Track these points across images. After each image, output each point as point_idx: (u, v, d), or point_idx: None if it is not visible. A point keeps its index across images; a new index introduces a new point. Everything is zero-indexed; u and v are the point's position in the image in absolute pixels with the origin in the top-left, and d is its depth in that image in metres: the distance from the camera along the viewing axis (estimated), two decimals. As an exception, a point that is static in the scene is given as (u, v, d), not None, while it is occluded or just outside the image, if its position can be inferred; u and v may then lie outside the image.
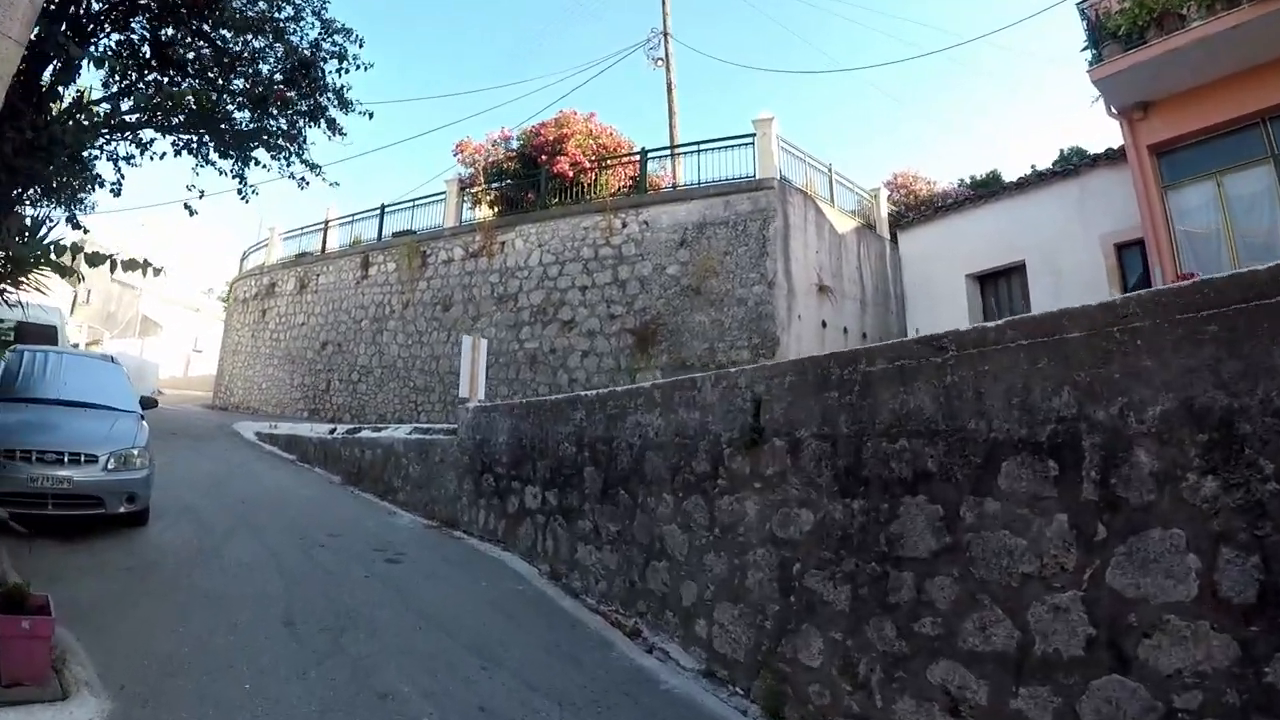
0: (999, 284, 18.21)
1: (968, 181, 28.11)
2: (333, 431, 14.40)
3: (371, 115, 10.51)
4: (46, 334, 15.41)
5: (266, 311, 27.92)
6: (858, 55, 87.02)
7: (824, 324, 18.48)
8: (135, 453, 8.36)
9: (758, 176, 17.18)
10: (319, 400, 24.16)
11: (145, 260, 5.64)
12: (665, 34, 26.38)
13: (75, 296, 45.12)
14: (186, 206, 9.91)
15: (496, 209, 21.47)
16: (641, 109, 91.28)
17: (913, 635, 4.90)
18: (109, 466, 8.08)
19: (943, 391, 4.94)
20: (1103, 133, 71.59)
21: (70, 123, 7.23)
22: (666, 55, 26.31)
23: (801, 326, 17.32)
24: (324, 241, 26.37)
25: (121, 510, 8.13)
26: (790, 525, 5.80)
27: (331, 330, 24.42)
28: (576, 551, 8.28)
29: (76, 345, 20.73)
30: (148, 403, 10.08)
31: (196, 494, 10.76)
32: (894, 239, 22.40)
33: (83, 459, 7.97)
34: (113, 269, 5.52)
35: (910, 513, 5.02)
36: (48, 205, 16.01)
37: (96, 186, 16.11)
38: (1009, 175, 25.75)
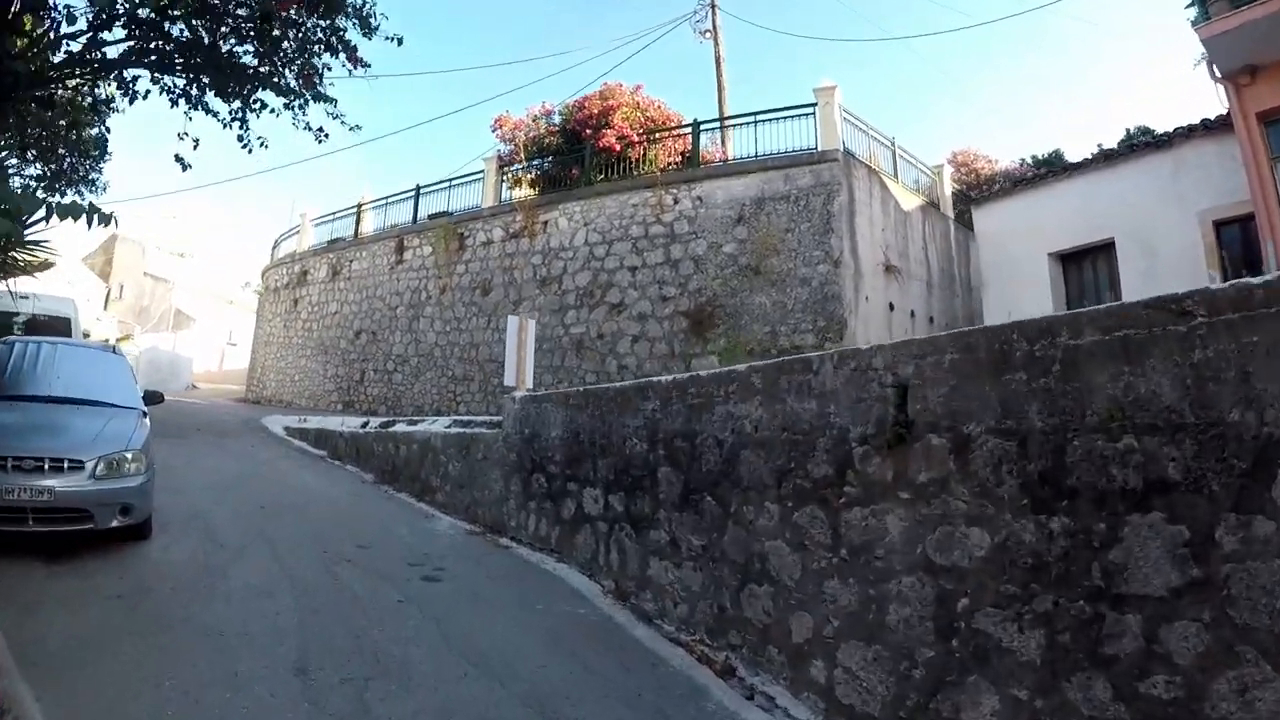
0: (1083, 264, 16.69)
1: (1029, 161, 27.00)
2: (365, 425, 13.21)
3: (401, 41, 9.20)
4: (59, 326, 14.36)
5: (298, 300, 26.89)
6: (910, 25, 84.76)
7: (891, 306, 17.11)
8: (129, 457, 7.09)
9: (820, 148, 15.86)
10: (353, 391, 23.06)
11: (92, 207, 4.33)
12: (713, 4, 25.00)
13: (108, 291, 44.83)
14: (178, 159, 8.67)
15: (538, 187, 20.15)
16: (687, 87, 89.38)
17: (1137, 698, 3.54)
18: (98, 474, 6.82)
19: (1189, 371, 3.51)
20: (1173, 110, 69.21)
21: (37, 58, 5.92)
22: (714, 27, 25.01)
23: (869, 309, 15.94)
24: (357, 226, 25.26)
25: (114, 525, 6.88)
26: (954, 549, 4.37)
27: (365, 318, 23.28)
28: (649, 567, 6.92)
29: (88, 334, 19.64)
30: (152, 398, 8.85)
31: (211, 498, 9.55)
32: (958, 219, 21.27)
33: (66, 466, 6.72)
34: (48, 216, 4.20)
35: (1139, 536, 3.61)
36: (56, 186, 15.15)
37: (95, 155, 15.33)
38: (1071, 155, 25.15)
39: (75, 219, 4.42)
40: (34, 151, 14.06)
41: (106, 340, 19.39)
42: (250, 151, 8.73)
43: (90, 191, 14.91)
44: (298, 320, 26.80)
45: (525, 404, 8.91)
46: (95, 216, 4.61)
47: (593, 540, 7.69)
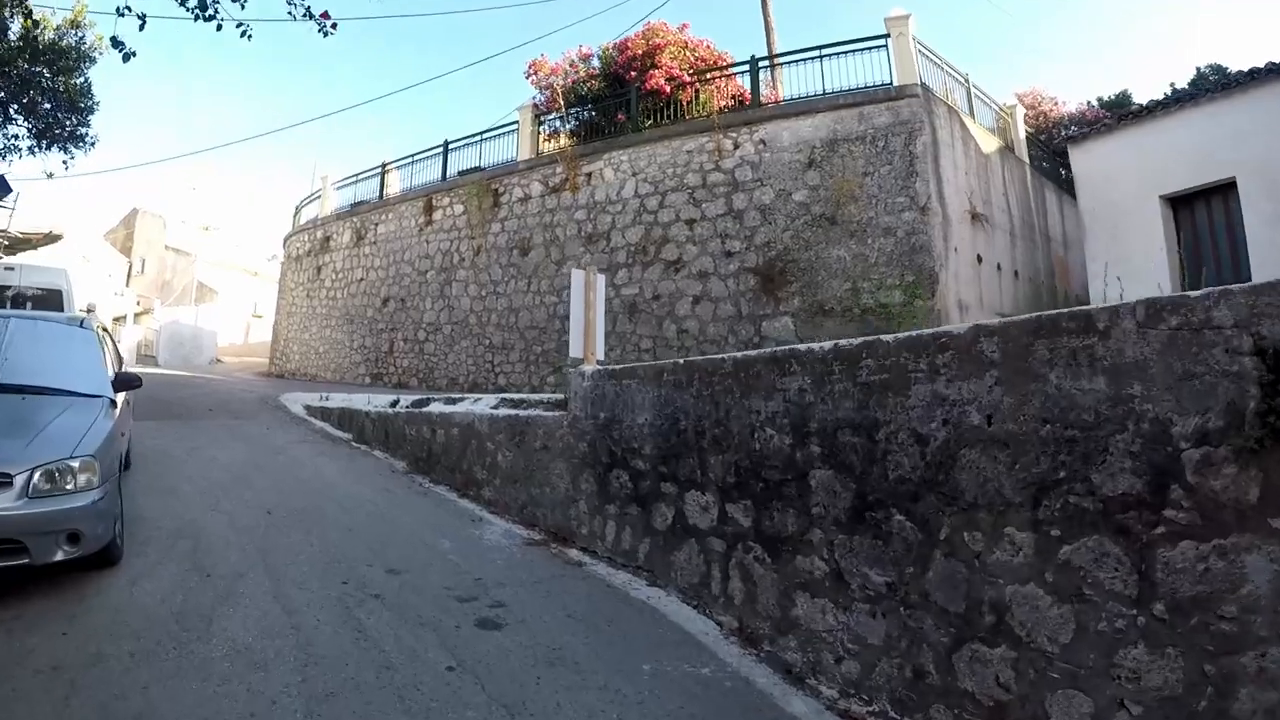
0: (1196, 208, 14.52)
1: (1095, 104, 25.39)
2: (395, 404, 11.28)
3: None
4: (49, 299, 12.62)
5: (321, 268, 25.09)
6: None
7: (979, 259, 15.09)
8: (76, 465, 5.11)
9: (896, 83, 13.82)
10: (381, 363, 21.26)
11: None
12: (758, -65, 22.81)
13: (130, 267, 43.70)
14: (115, 43, 6.75)
15: (579, 137, 18.08)
16: (726, 35, 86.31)
17: None
18: (33, 491, 4.89)
19: None
20: (1245, 50, 65.61)
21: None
22: (761, -42, 22.79)
23: (959, 262, 13.96)
24: (382, 187, 23.33)
25: (60, 558, 4.96)
26: None
27: (393, 284, 21.40)
28: (793, 605, 4.94)
29: (91, 308, 17.94)
30: (126, 381, 6.92)
31: (209, 501, 7.64)
32: (1031, 162, 19.24)
33: (-13, 481, 4.83)
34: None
35: None
36: (41, 143, 13.54)
37: (82, 106, 13.70)
38: (1139, 96, 24.56)
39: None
40: (15, 106, 12.56)
41: (88, 309, 17.68)
42: (220, 29, 6.68)
43: (79, 148, 13.29)
44: (321, 289, 24.98)
45: (599, 381, 6.91)
46: None
47: (700, 561, 5.73)
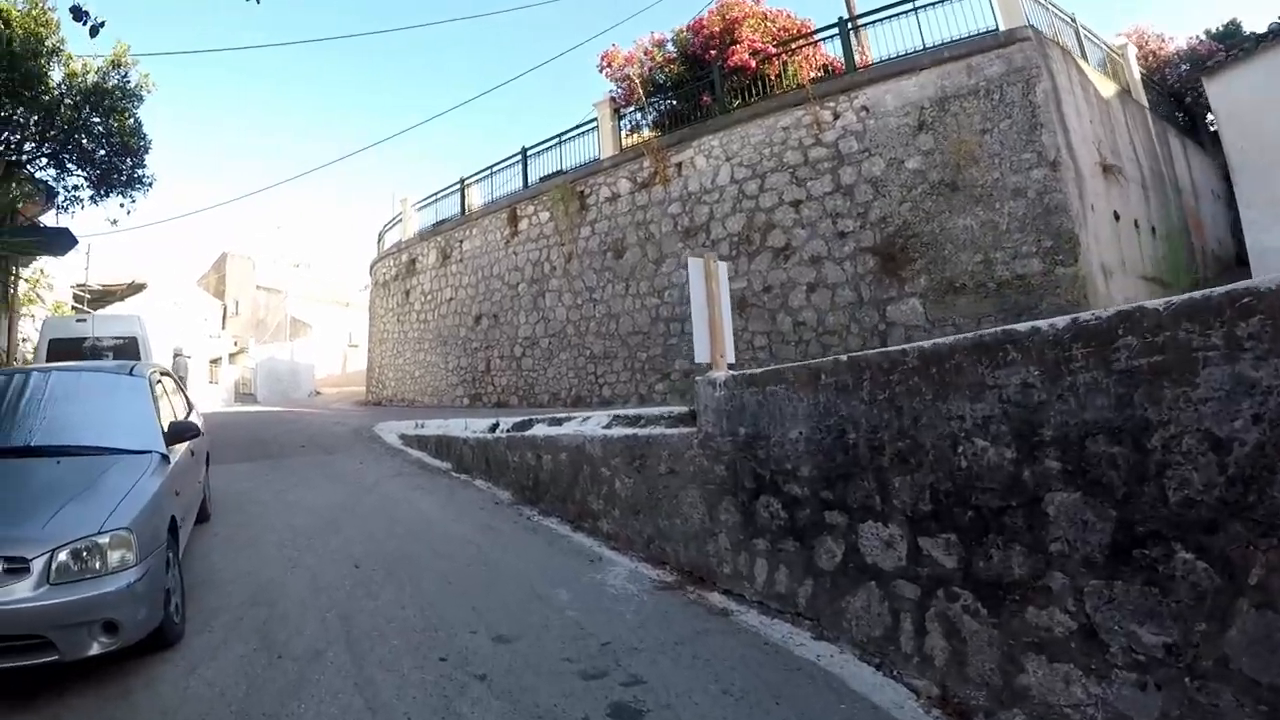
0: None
1: (1204, 37, 23.70)
2: (494, 428, 10.37)
3: None
4: (125, 349, 12.17)
5: (410, 291, 24.65)
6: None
7: (1116, 216, 13.50)
8: (105, 542, 4.18)
9: (1002, 28, 12.39)
10: (479, 383, 20.56)
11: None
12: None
13: (224, 309, 44.57)
14: (76, 13, 6.03)
15: (663, 127, 17.02)
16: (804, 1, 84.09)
17: None
18: (55, 576, 3.98)
19: None
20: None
21: None
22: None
23: (1097, 221, 12.47)
24: (463, 202, 22.73)
25: (96, 651, 4.06)
26: None
27: (484, 301, 20.68)
28: (1022, 670, 3.67)
29: (181, 355, 17.84)
30: (179, 433, 6.03)
31: (291, 554, 6.73)
32: (1150, 106, 17.74)
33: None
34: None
35: None
36: (101, 191, 13.18)
37: (135, 147, 13.27)
38: (1249, 25, 22.56)
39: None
40: (70, 158, 12.20)
41: (175, 353, 17.59)
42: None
43: (137, 191, 12.88)
44: (411, 313, 24.50)
45: (736, 390, 5.73)
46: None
47: (884, 610, 4.51)
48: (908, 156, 12.82)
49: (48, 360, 12.04)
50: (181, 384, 8.59)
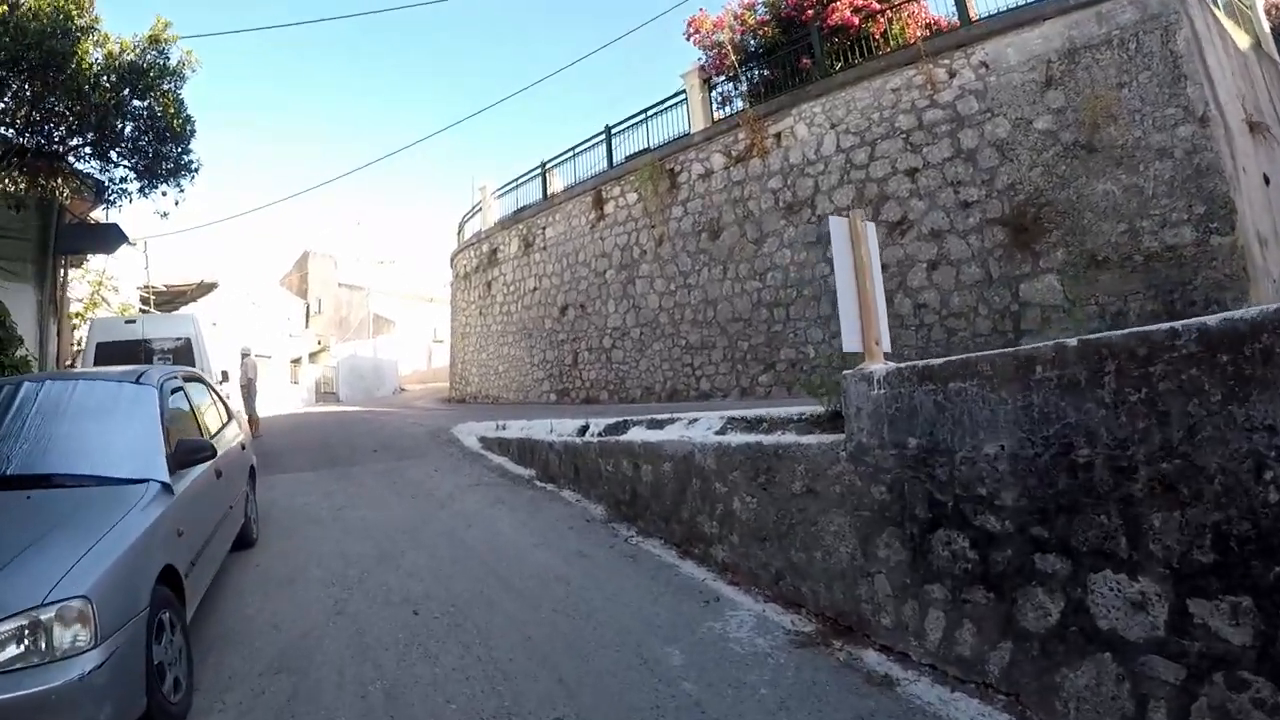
0: None
1: None
2: (583, 431, 9.38)
3: None
4: (180, 351, 11.52)
5: (491, 283, 24.08)
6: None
7: (1266, 179, 12.14)
8: (48, 619, 3.18)
9: None
10: (566, 377, 19.87)
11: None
12: None
13: (307, 308, 44.86)
14: None
15: (757, 95, 15.95)
16: None
17: None
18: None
19: None
20: None
21: None
22: None
23: (1248, 184, 11.17)
24: (544, 187, 22.03)
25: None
26: None
27: (570, 290, 19.97)
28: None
29: (250, 355, 17.28)
30: (187, 455, 5.03)
31: (337, 595, 5.79)
32: None
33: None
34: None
35: None
36: (150, 182, 12.58)
37: (181, 131, 12.67)
38: None
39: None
40: (116, 150, 11.56)
41: (243, 353, 16.77)
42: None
43: (185, 178, 12.23)
44: (494, 305, 23.97)
45: (901, 387, 4.62)
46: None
47: (1123, 693, 3.38)
48: (1036, 116, 11.67)
49: (95, 365, 11.37)
50: (215, 390, 7.60)
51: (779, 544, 5.64)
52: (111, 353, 11.39)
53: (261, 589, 5.96)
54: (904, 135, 12.96)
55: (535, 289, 21.41)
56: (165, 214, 13.62)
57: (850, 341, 5.41)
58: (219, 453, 5.73)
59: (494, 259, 23.93)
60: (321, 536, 7.43)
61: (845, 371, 5.15)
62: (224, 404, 7.50)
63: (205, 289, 22.76)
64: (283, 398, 30.78)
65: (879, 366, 4.96)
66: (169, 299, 22.43)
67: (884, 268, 12.44)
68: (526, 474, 10.05)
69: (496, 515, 8.05)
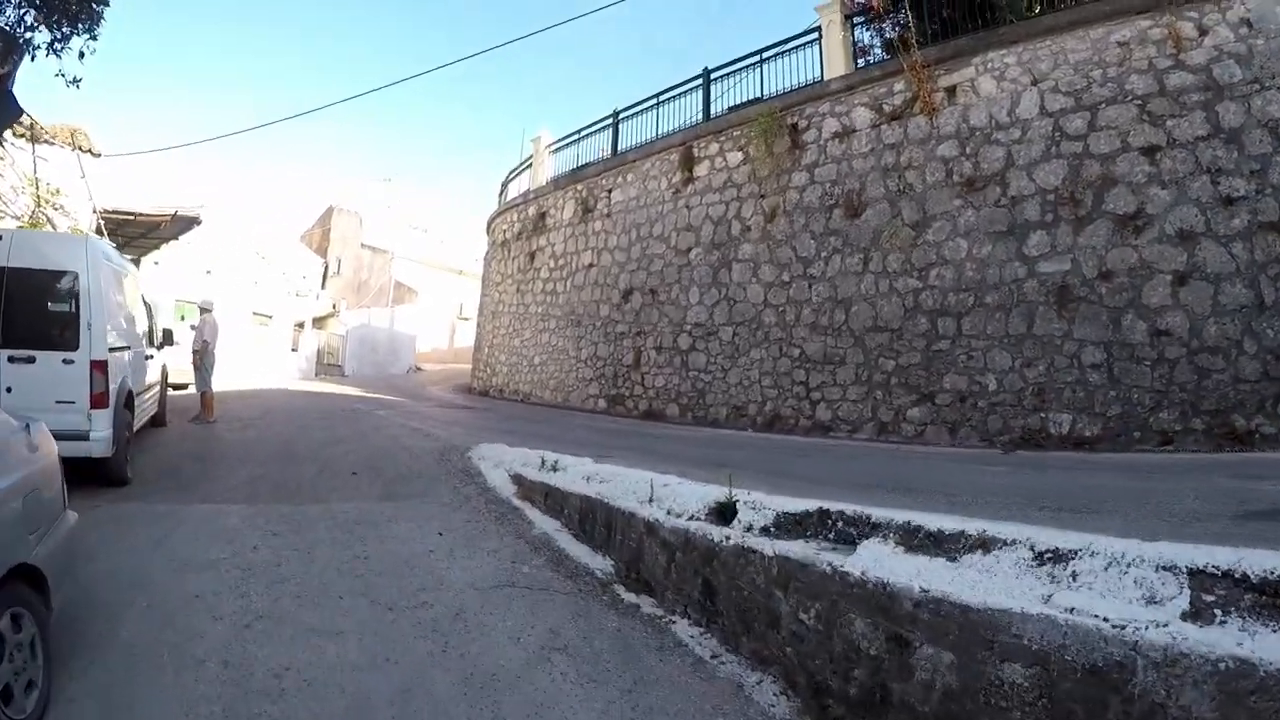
0: None
1: None
2: (727, 515, 5.11)
3: None
4: (49, 289, 7.83)
5: (536, 254, 20.91)
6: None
7: None
8: None
9: None
10: (622, 381, 16.60)
11: None
12: None
13: (325, 267, 42.51)
14: None
15: (922, 37, 12.65)
16: None
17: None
18: None
19: None
20: None
21: None
22: None
23: None
24: (614, 141, 18.83)
25: None
26: None
27: (638, 270, 16.70)
28: None
29: (209, 310, 13.99)
30: None
31: None
32: None
33: None
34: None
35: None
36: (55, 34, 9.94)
37: None
38: None
39: None
40: None
41: (203, 306, 13.81)
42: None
43: (96, 25, 9.69)
44: (536, 281, 20.76)
45: None
46: None
47: None
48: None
49: None
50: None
51: None
52: None
53: None
54: (1139, 102, 9.91)
55: (592, 265, 18.20)
56: (77, 80, 10.52)
57: None
58: None
59: (541, 225, 20.78)
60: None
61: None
62: None
63: (183, 223, 18.94)
64: (275, 367, 27.83)
65: None
66: (141, 232, 19.14)
67: (1106, 275, 9.42)
68: (599, 568, 5.99)
69: (553, 692, 4.04)
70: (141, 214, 17.45)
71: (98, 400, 7.50)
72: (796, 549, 4.23)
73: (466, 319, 41.88)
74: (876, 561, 3.84)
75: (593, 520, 6.49)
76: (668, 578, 5.26)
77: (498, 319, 22.89)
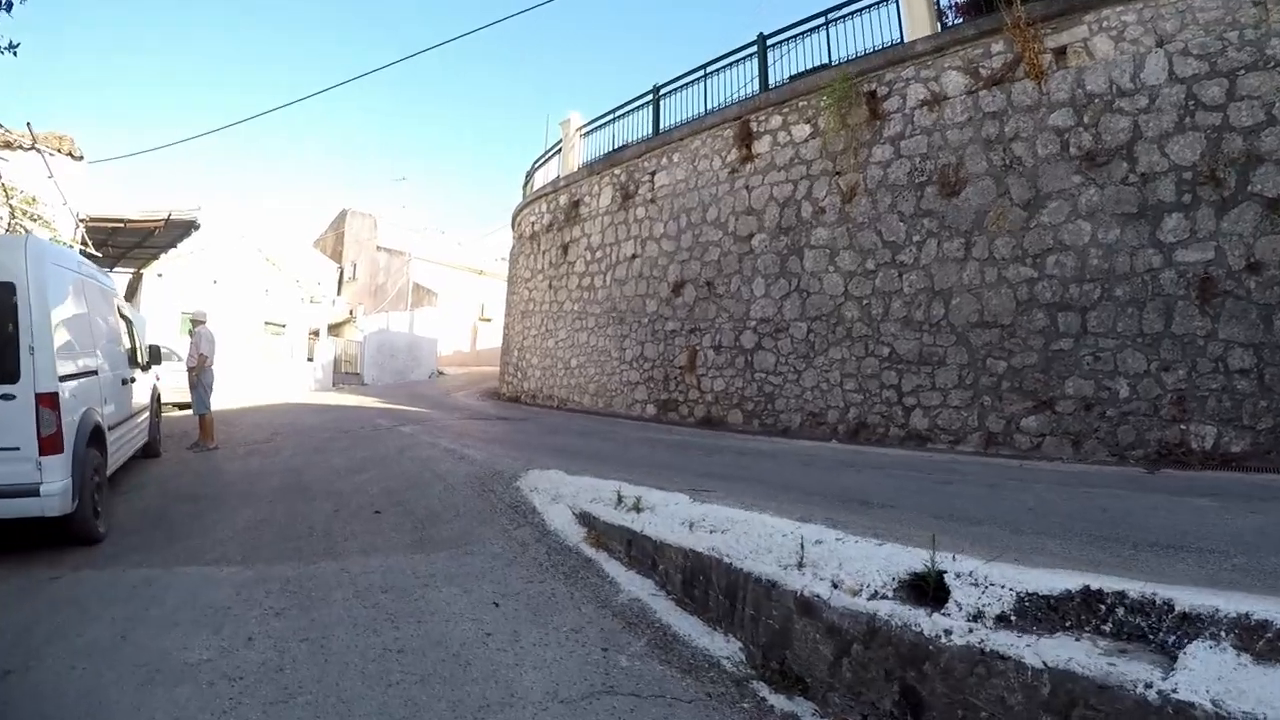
0: None
1: None
2: (922, 592, 3.60)
3: None
4: None
5: (569, 246, 19.57)
6: None
7: None
8: None
9: None
10: (675, 385, 15.22)
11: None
12: None
13: (340, 272, 41.92)
14: None
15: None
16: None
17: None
18: None
19: None
20: None
21: None
22: None
23: None
24: (655, 119, 17.38)
25: None
26: None
27: (690, 260, 15.29)
28: None
29: (202, 322, 12.65)
30: None
31: None
32: None
33: None
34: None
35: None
36: None
37: None
38: None
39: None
40: None
41: (195, 318, 12.64)
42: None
43: None
44: (570, 276, 19.39)
45: None
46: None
47: None
48: None
49: None
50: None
51: None
52: None
53: None
54: (1285, 69, 8.54)
55: (635, 256, 16.79)
56: (14, 46, 9.18)
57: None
58: None
59: (575, 215, 19.42)
60: None
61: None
62: None
63: (179, 228, 17.28)
64: (289, 379, 26.82)
65: None
66: (136, 241, 17.81)
67: (1255, 266, 7.92)
68: (722, 654, 4.37)
69: None
70: (131, 220, 16.13)
71: (48, 444, 5.93)
72: (1080, 658, 2.83)
73: (488, 320, 40.95)
74: (1221, 681, 2.48)
75: (704, 584, 4.92)
76: (836, 676, 3.74)
77: (528, 318, 21.54)
